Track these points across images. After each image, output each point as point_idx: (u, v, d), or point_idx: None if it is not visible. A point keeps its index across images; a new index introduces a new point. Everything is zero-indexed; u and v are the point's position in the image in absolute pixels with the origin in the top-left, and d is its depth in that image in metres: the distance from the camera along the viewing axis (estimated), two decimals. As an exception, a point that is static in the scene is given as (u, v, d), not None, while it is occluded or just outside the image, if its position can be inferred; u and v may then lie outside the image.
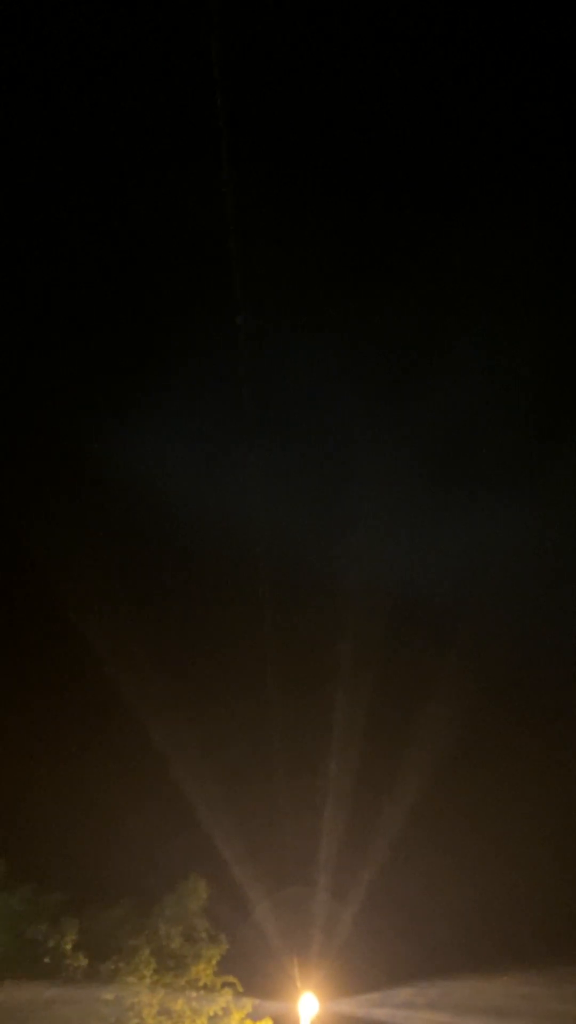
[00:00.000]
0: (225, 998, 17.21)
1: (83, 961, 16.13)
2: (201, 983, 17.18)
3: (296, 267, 21.93)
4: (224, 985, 17.34)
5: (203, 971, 17.22)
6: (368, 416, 24.13)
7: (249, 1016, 17.38)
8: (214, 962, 17.41)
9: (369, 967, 19.11)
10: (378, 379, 24.28)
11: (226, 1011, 17.19)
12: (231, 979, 17.43)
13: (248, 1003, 17.37)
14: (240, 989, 17.43)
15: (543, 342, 23.50)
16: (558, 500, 23.45)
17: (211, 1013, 17.02)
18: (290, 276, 21.89)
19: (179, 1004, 16.72)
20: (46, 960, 16.00)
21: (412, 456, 24.70)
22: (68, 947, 16.04)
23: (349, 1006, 18.44)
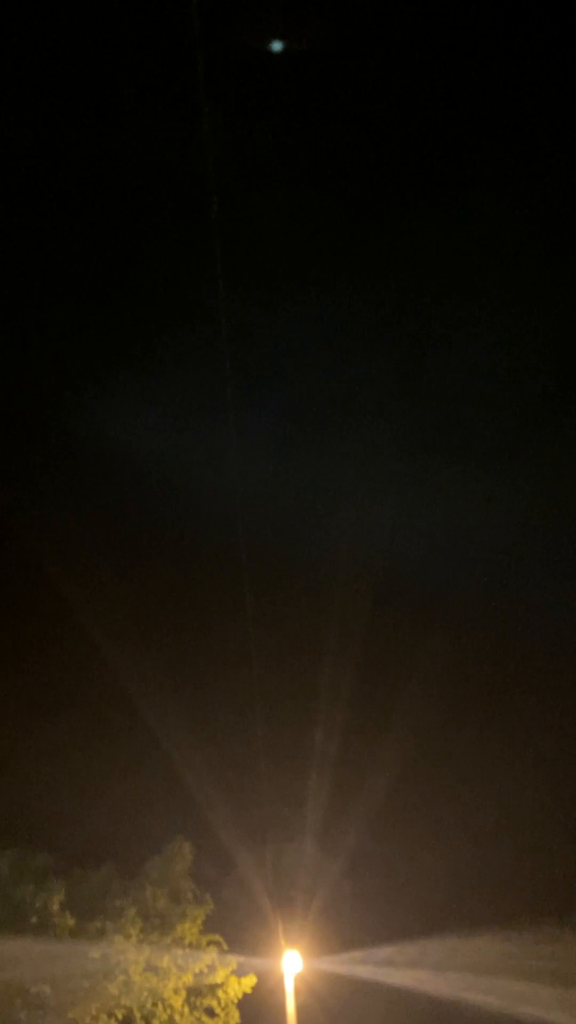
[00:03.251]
0: (210, 955, 17.57)
1: (70, 920, 16.45)
2: (187, 941, 17.54)
3: (280, 235, 21.69)
4: (209, 943, 17.70)
5: (188, 930, 17.57)
6: (353, 391, 24.02)
7: (234, 973, 17.76)
8: (199, 921, 17.76)
9: (351, 927, 19.58)
10: (365, 352, 24.08)
11: (211, 968, 17.56)
12: (216, 937, 17.79)
13: (233, 960, 17.75)
14: (225, 947, 17.80)
15: (536, 316, 23.30)
16: (542, 476, 23.55)
17: (196, 970, 17.38)
18: (273, 244, 21.66)
19: (165, 961, 17.07)
20: (33, 920, 16.32)
21: (396, 432, 24.69)
22: (55, 907, 16.35)
23: (331, 963, 18.91)
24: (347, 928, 19.48)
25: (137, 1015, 16.78)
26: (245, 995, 17.82)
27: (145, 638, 20.35)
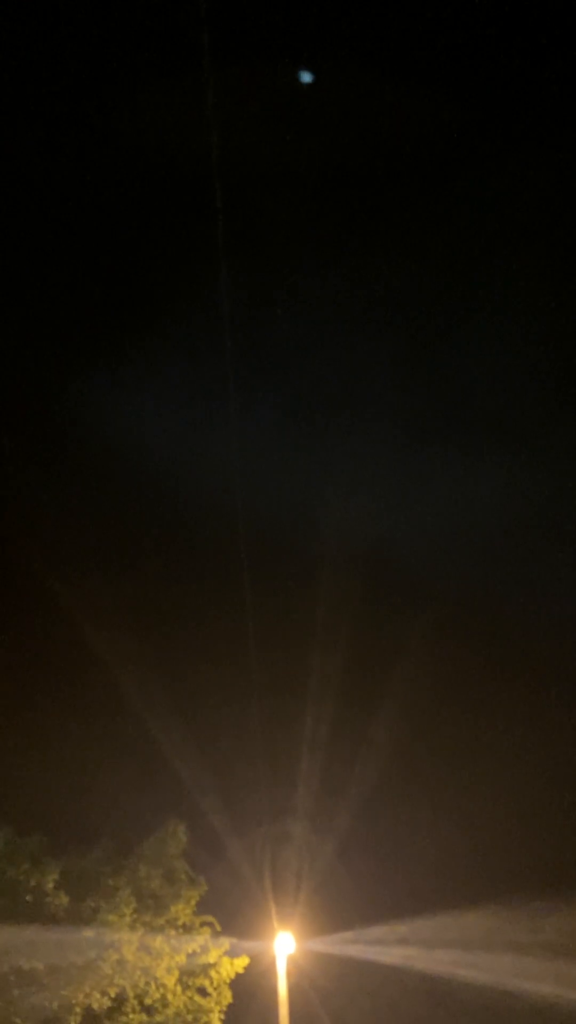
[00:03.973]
0: (203, 937, 17.75)
1: (64, 900, 16.64)
2: (180, 922, 17.71)
3: (284, 221, 21.87)
4: (203, 924, 17.87)
5: (182, 911, 17.75)
6: (356, 379, 24.27)
7: (227, 954, 17.94)
8: (193, 902, 17.94)
9: (344, 907, 19.76)
10: (368, 340, 24.30)
11: (204, 949, 17.72)
12: (209, 919, 17.98)
13: (226, 942, 17.92)
14: (218, 928, 17.98)
15: (541, 308, 23.39)
16: (540, 464, 23.78)
17: (189, 951, 17.54)
18: (277, 230, 21.85)
19: (158, 942, 17.25)
20: (27, 899, 16.50)
21: (397, 420, 24.89)
22: (49, 886, 16.54)
23: (324, 944, 19.12)
24: (339, 909, 19.68)
25: (130, 994, 16.95)
26: (238, 975, 18.00)
27: (138, 621, 20.60)
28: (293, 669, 20.69)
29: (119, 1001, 16.83)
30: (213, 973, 17.75)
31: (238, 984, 18.05)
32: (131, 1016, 16.90)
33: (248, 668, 20.09)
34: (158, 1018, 17.13)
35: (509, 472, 23.68)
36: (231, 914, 18.66)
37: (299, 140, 20.98)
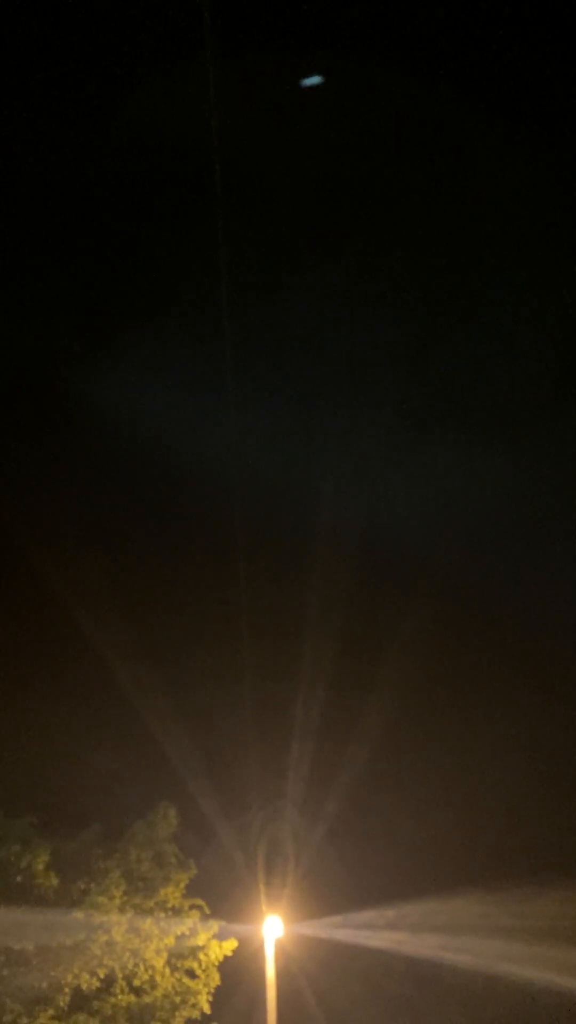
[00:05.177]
0: (192, 919, 17.82)
1: (54, 881, 16.70)
2: (169, 905, 17.79)
3: (285, 204, 21.72)
4: (192, 907, 17.94)
5: (171, 894, 17.82)
6: (355, 365, 24.18)
7: (215, 937, 18.03)
8: (182, 885, 18.02)
9: (332, 892, 19.89)
10: (368, 327, 24.17)
11: (193, 931, 17.81)
12: (198, 902, 18.05)
13: (214, 924, 18.00)
14: (207, 911, 18.05)
15: (543, 295, 23.23)
16: (538, 453, 23.79)
17: (178, 933, 17.63)
18: (277, 214, 21.70)
19: (147, 924, 17.33)
20: (18, 880, 16.55)
21: (396, 407, 24.83)
22: (40, 867, 16.58)
23: (312, 928, 19.26)
24: (328, 893, 19.81)
25: (119, 975, 17.03)
26: (226, 958, 18.10)
27: (131, 605, 20.60)
28: (286, 654, 20.78)
29: (108, 982, 16.92)
30: (202, 955, 17.84)
31: (226, 967, 18.16)
32: (119, 997, 16.99)
33: (241, 652, 20.16)
34: (146, 999, 17.23)
35: (506, 463, 23.75)
36: (220, 897, 18.78)
37: (301, 128, 20.87)
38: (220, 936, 18.09)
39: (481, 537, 23.41)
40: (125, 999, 17.00)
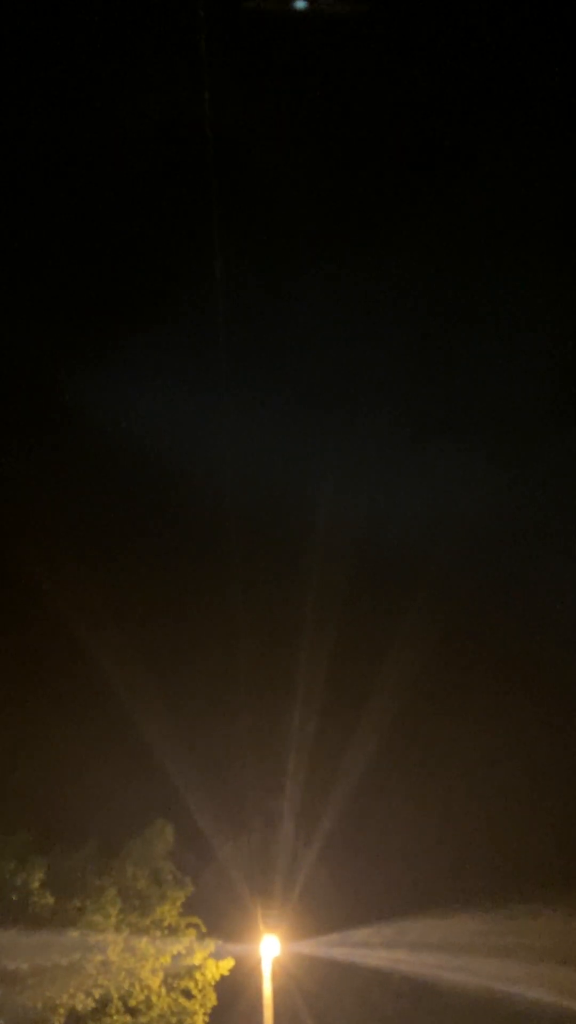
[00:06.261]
0: (189, 938, 17.67)
1: (50, 899, 16.53)
2: (165, 923, 17.64)
3: (277, 209, 21.62)
4: (188, 926, 17.80)
5: (168, 912, 17.67)
6: (356, 371, 24.02)
7: (212, 956, 17.86)
8: (179, 904, 17.87)
9: (329, 910, 19.71)
10: (369, 332, 24.05)
11: (189, 951, 17.65)
12: (195, 920, 17.90)
13: (211, 943, 17.85)
14: (204, 930, 17.91)
15: (549, 302, 23.06)
16: (529, 453, 23.73)
17: (174, 952, 17.47)
18: (277, 217, 21.56)
19: (143, 943, 17.17)
20: (13, 897, 16.37)
21: (398, 414, 24.70)
22: (35, 885, 16.43)
23: (309, 947, 19.08)
24: (325, 911, 19.64)
25: (114, 995, 16.85)
26: (223, 977, 17.93)
27: (127, 616, 20.43)
28: (283, 664, 20.60)
29: (103, 1002, 16.74)
30: (198, 975, 17.68)
31: (223, 986, 17.99)
32: (115, 1017, 16.80)
33: (238, 659, 19.98)
34: (142, 1020, 17.06)
35: (506, 468, 23.68)
36: (217, 916, 18.58)
37: (300, 129, 20.78)
38: (217, 955, 17.93)
39: (480, 544, 23.30)
40: (120, 1020, 16.83)
